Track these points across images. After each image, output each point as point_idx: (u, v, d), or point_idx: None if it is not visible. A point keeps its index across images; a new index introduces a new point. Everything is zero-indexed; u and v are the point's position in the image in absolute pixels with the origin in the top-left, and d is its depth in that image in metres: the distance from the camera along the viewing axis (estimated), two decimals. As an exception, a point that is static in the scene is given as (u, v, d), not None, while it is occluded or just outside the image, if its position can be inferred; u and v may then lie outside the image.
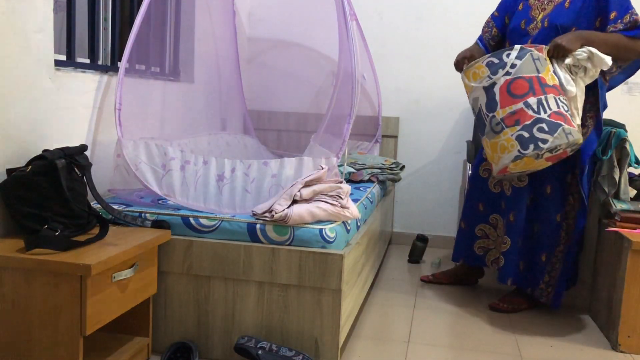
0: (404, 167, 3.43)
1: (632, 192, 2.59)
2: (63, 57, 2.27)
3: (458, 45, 3.69)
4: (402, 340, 2.36)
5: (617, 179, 2.55)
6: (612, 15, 2.47)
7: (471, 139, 3.68)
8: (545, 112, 2.30)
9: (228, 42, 3.55)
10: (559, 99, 2.35)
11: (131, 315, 2.03)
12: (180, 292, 2.09)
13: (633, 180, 2.63)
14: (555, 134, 2.27)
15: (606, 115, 2.83)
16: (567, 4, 2.57)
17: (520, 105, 2.31)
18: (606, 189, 2.57)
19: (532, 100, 2.31)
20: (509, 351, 2.30)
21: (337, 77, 3.42)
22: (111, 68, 2.51)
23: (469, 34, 3.67)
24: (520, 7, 2.74)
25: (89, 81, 2.25)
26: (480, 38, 2.90)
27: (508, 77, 2.36)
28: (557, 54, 2.42)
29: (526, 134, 2.29)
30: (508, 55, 2.39)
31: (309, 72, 3.90)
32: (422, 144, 3.83)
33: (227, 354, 2.08)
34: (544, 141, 2.27)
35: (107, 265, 1.68)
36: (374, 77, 3.72)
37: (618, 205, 2.50)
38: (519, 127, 2.30)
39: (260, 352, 1.92)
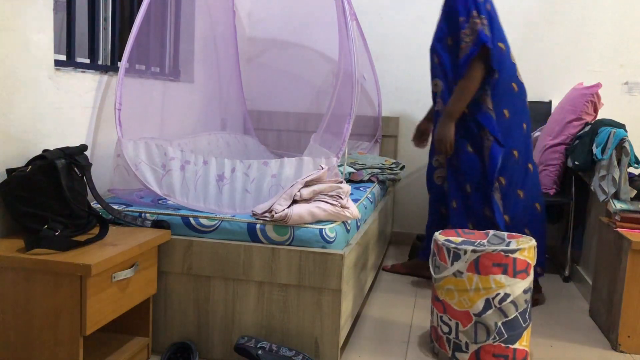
0: (404, 167, 3.42)
1: (632, 192, 2.59)
2: (63, 57, 2.28)
3: (458, 45, 3.70)
4: (402, 340, 2.36)
5: (617, 179, 2.55)
6: (461, 19, 2.54)
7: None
8: None
9: (228, 42, 3.55)
10: None
11: (131, 315, 2.04)
12: (180, 292, 2.09)
13: (633, 180, 2.63)
14: None
15: (606, 115, 2.83)
16: (440, 20, 2.69)
17: None
18: (606, 189, 2.57)
19: None
20: (509, 351, 2.30)
21: (337, 77, 3.42)
22: (111, 68, 2.51)
23: (469, 34, 3.68)
24: None
25: (89, 81, 2.25)
26: None
27: None
28: (444, 149, 2.60)
29: None
30: None
31: (309, 72, 3.90)
32: (422, 144, 3.83)
33: (227, 354, 2.08)
34: None
35: (107, 265, 1.68)
36: (374, 77, 3.72)
37: (618, 205, 2.50)
38: None
39: (260, 352, 1.92)
